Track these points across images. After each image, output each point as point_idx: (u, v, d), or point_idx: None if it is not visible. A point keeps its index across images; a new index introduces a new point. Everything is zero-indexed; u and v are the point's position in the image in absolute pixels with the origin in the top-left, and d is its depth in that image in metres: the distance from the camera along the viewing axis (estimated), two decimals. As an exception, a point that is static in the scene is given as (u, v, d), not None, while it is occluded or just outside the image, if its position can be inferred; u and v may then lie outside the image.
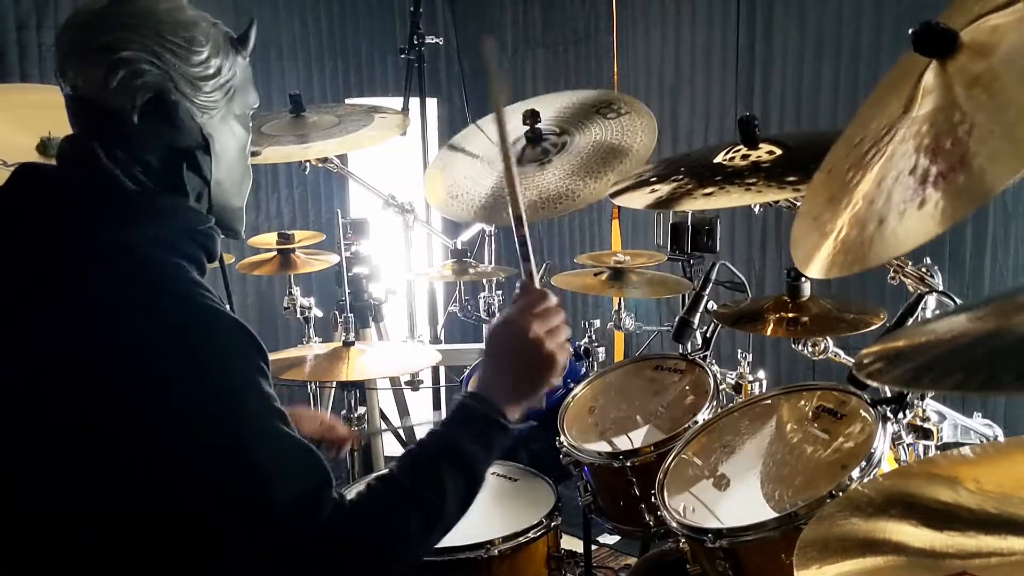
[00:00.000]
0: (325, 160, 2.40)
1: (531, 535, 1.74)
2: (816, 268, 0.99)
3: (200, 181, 1.05)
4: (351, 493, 1.03)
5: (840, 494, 1.23)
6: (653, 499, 1.52)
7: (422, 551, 1.04)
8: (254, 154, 1.16)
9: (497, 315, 1.30)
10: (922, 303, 1.45)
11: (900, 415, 1.41)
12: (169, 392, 0.91)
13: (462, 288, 2.71)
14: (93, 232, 0.96)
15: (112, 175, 0.98)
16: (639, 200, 1.73)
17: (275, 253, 2.65)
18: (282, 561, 0.95)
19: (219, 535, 0.96)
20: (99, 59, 0.98)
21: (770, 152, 1.63)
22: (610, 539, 2.96)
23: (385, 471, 1.06)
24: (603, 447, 1.80)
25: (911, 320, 1.44)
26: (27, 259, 0.97)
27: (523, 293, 1.13)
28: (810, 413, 1.55)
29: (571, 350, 1.11)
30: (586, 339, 2.33)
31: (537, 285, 1.14)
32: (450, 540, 1.07)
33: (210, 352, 0.94)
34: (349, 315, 2.09)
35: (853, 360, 1.56)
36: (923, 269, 1.46)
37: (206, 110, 1.04)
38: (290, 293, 2.64)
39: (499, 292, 2.62)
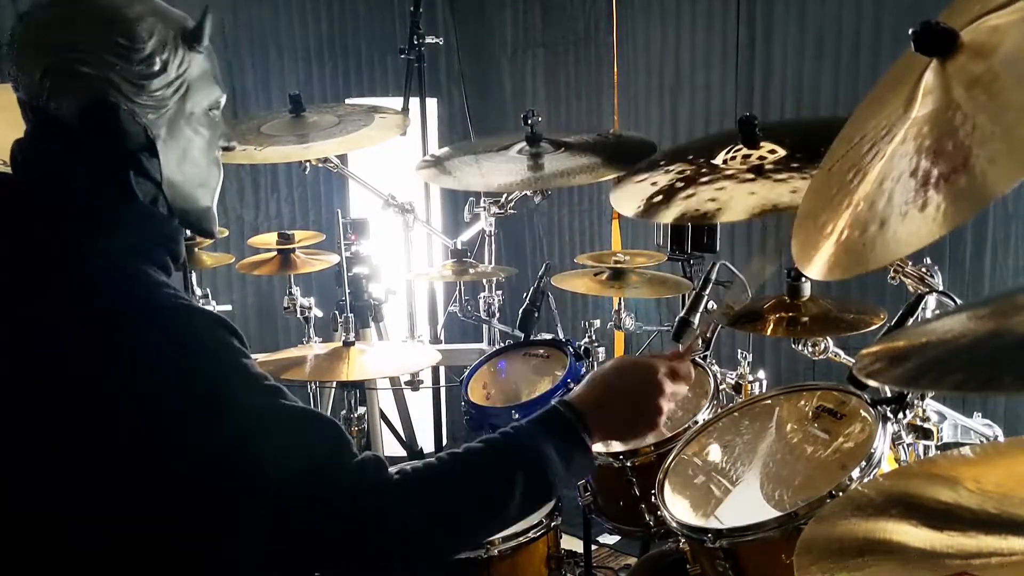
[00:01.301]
0: (325, 160, 2.39)
1: (531, 535, 1.75)
2: (817, 269, 0.99)
3: (151, 184, 1.02)
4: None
5: (840, 494, 1.23)
6: (653, 499, 1.52)
7: (469, 538, 1.04)
8: (227, 149, 1.12)
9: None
10: (922, 303, 1.44)
11: (900, 415, 1.41)
12: (158, 391, 0.91)
13: (462, 288, 2.70)
14: (56, 240, 0.96)
15: (62, 182, 0.98)
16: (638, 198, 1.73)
17: (275, 253, 2.65)
18: (316, 543, 0.94)
19: (221, 533, 0.96)
20: (35, 63, 0.96)
21: (772, 151, 1.63)
22: (610, 539, 2.96)
23: (461, 450, 1.04)
24: (603, 447, 1.79)
25: (911, 320, 1.44)
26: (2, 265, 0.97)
27: (677, 356, 1.17)
28: (810, 413, 1.55)
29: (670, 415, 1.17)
30: (586, 339, 2.32)
31: (688, 362, 1.17)
32: (450, 540, 1.07)
33: (191, 348, 0.94)
34: (349, 315, 2.09)
35: (853, 360, 1.56)
36: (923, 269, 1.46)
37: (153, 109, 1.01)
38: (290, 293, 2.64)
39: (499, 292, 2.62)
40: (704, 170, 1.67)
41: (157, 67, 1.00)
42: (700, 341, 1.20)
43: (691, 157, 1.74)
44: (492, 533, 1.03)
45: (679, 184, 1.68)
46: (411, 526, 0.98)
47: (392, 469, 1.00)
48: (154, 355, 0.92)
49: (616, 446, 1.60)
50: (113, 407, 0.91)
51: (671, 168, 1.74)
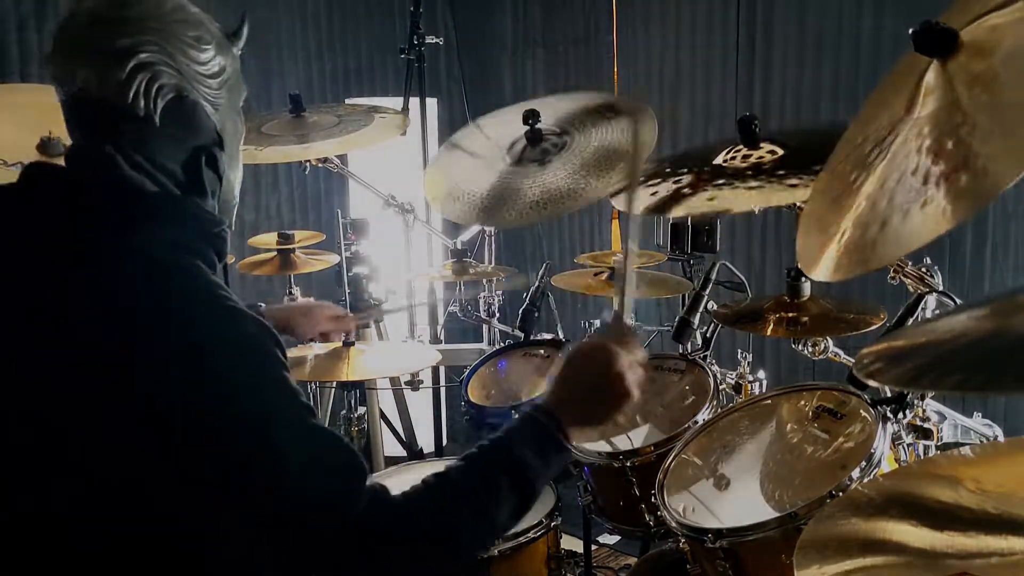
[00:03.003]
0: (325, 160, 2.39)
1: (531, 535, 1.74)
2: (821, 270, 0.99)
3: (215, 178, 1.06)
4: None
5: (840, 494, 1.23)
6: (653, 499, 1.52)
7: (467, 554, 1.04)
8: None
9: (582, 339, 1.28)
10: (922, 303, 1.45)
11: (900, 415, 1.41)
12: (195, 392, 0.90)
13: (462, 288, 2.70)
14: (113, 237, 0.95)
15: (131, 179, 0.97)
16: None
17: (275, 253, 2.65)
18: (318, 554, 0.95)
19: (224, 534, 0.96)
20: (118, 62, 0.96)
21: (771, 152, 1.63)
22: (610, 539, 2.96)
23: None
24: (603, 447, 1.79)
25: (911, 320, 1.44)
26: (45, 262, 0.96)
27: (613, 326, 1.14)
28: (810, 413, 1.55)
29: (643, 389, 1.13)
30: (586, 339, 2.32)
31: (628, 321, 1.13)
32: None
33: (236, 351, 0.94)
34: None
35: (853, 360, 1.56)
36: (923, 269, 1.46)
37: (215, 106, 1.04)
38: (290, 293, 2.64)
39: (499, 292, 2.62)
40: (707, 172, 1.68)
41: (218, 67, 1.04)
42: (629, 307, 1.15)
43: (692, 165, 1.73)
44: (487, 542, 1.04)
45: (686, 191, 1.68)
46: (414, 545, 1.00)
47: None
48: (197, 351, 0.91)
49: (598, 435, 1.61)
50: (139, 406, 0.90)
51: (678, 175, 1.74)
